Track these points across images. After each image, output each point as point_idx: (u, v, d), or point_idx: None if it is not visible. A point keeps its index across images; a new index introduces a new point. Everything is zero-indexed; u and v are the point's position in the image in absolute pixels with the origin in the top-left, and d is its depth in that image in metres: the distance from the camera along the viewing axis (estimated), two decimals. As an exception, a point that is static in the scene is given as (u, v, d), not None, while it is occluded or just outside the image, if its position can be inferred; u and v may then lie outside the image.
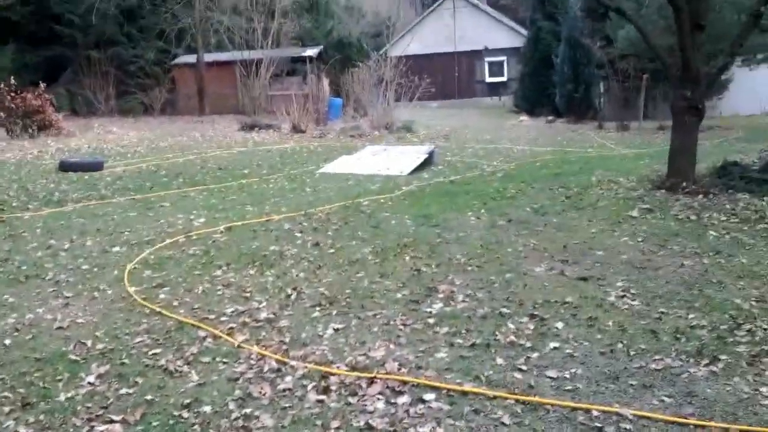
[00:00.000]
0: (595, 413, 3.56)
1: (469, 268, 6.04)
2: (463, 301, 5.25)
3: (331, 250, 6.63)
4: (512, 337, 4.54)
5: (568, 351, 4.33)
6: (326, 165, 12.46)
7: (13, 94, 16.39)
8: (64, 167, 12.01)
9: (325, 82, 29.68)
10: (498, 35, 37.67)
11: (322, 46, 31.40)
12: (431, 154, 12.72)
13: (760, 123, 21.92)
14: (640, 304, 5.11)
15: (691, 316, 4.87)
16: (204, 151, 15.08)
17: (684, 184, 8.35)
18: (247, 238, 7.11)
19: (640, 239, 6.85)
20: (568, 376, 4.01)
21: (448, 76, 38.76)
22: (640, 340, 4.48)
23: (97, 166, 12.23)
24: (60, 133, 17.55)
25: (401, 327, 4.77)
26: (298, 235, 7.19)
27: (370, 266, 6.14)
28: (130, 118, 25.92)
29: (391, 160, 12.38)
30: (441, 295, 5.36)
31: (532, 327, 4.71)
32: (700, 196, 8.18)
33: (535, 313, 4.95)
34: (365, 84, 21.77)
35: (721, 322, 4.73)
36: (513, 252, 6.48)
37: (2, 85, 16.48)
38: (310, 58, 28.70)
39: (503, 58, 37.28)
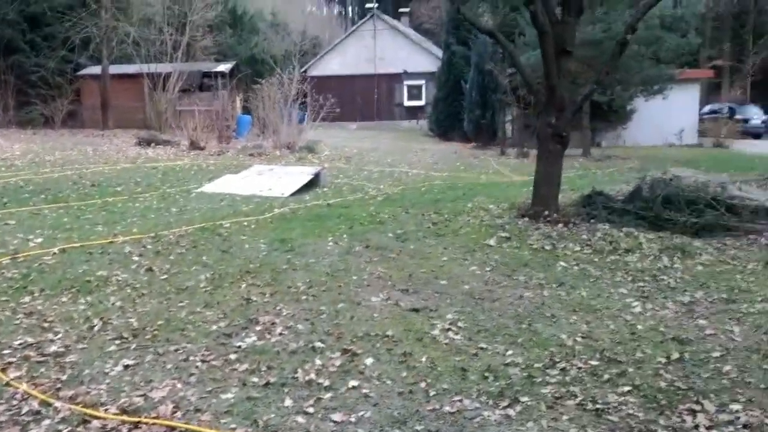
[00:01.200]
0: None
1: (304, 297, 5.76)
2: (281, 333, 4.95)
3: (164, 276, 6.24)
4: (313, 375, 4.27)
5: (365, 391, 4.08)
6: (208, 184, 12.02)
7: None
8: None
9: (238, 99, 29.22)
10: (418, 58, 37.99)
11: (235, 62, 30.86)
12: (317, 176, 12.45)
13: (659, 154, 22.58)
14: (462, 339, 4.93)
15: (509, 352, 4.71)
16: (87, 167, 14.40)
17: (546, 212, 8.31)
18: (79, 261, 6.63)
19: (488, 268, 6.72)
20: (353, 419, 3.75)
21: (368, 98, 38.82)
22: (447, 379, 4.27)
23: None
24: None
25: (198, 364, 4.43)
26: (136, 259, 6.76)
27: (199, 295, 5.78)
28: (28, 130, 24.74)
29: (275, 180, 12.04)
30: (259, 328, 5.06)
31: (338, 363, 4.45)
32: (560, 225, 8.15)
33: (350, 347, 4.70)
34: (272, 102, 21.36)
35: (538, 360, 4.59)
36: (357, 280, 6.23)
37: None
38: (222, 73, 28.12)
39: (422, 81, 37.59)
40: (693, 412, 3.85)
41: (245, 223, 8.58)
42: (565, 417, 3.84)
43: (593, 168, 17.56)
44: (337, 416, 3.77)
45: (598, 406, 3.95)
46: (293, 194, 11.24)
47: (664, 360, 4.63)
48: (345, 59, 39.10)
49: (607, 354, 4.69)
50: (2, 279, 6.07)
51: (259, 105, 22.40)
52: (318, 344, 4.75)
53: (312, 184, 12.13)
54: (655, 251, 7.36)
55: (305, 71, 31.57)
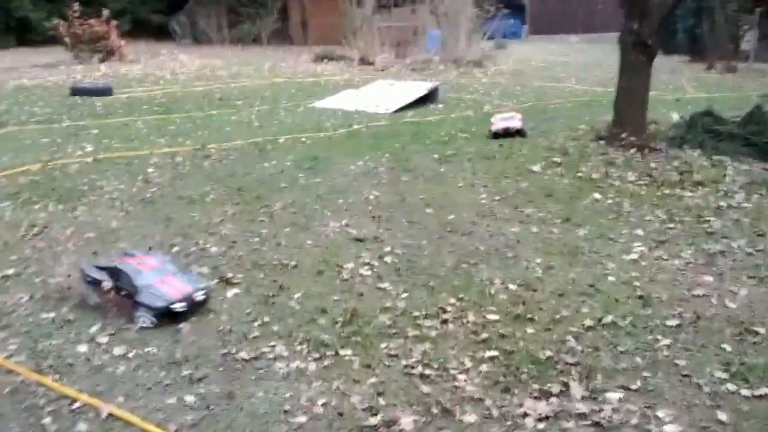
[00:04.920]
0: None
1: (260, 219, 5.41)
2: (188, 254, 4.67)
3: (153, 189, 6.22)
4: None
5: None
6: (323, 100, 11.88)
7: (79, 21, 17.09)
8: (75, 92, 12.36)
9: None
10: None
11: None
12: (435, 91, 11.73)
13: None
14: (373, 278, 4.34)
15: (404, 295, 4.02)
16: (238, 81, 14.98)
17: (623, 135, 6.96)
18: (96, 171, 6.82)
19: (499, 198, 5.85)
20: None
21: (590, 7, 35.54)
22: (308, 315, 3.73)
23: (105, 92, 12.48)
24: (123, 59, 18.17)
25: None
26: (150, 171, 6.83)
27: (162, 209, 5.66)
28: (238, 47, 26.37)
29: (387, 95, 11.57)
30: (189, 243, 4.83)
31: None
32: (633, 150, 6.79)
33: (230, 276, 4.30)
34: (448, 16, 20.46)
35: (422, 308, 3.84)
36: (334, 205, 5.70)
37: (70, 12, 17.23)
38: (418, -14, 27.47)
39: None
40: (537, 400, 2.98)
41: (303, 139, 8.32)
42: (392, 376, 3.16)
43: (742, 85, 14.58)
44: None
45: (428, 372, 3.20)
46: (398, 110, 10.71)
47: (590, 323, 3.65)
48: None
49: (523, 308, 3.84)
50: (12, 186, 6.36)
51: (441, 19, 21.67)
52: (203, 269, 4.39)
53: (427, 99, 11.46)
54: (735, 186, 5.88)
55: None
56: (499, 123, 8.20)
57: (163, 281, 3.72)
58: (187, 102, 11.74)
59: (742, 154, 6.60)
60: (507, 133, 8.01)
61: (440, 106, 11.39)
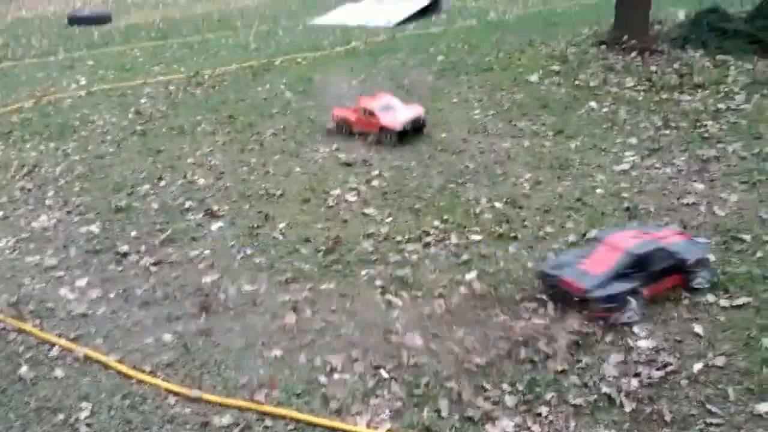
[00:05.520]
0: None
1: (249, 147, 5.39)
2: (165, 189, 4.68)
3: (143, 122, 6.18)
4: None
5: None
6: (322, 16, 11.59)
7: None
8: (72, 21, 12.17)
9: None
10: None
11: None
12: (437, 1, 11.37)
13: None
14: (359, 202, 4.33)
15: (388, 219, 4.01)
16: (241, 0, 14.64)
17: (625, 37, 6.70)
18: (90, 104, 6.80)
19: (493, 112, 5.74)
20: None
21: None
22: (293, 241, 3.75)
23: (103, 19, 12.28)
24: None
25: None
26: (143, 101, 6.78)
27: (149, 140, 5.65)
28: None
29: (390, 7, 11.25)
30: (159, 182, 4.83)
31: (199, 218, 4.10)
32: (634, 54, 6.56)
33: (214, 207, 4.31)
34: None
35: (400, 232, 3.83)
36: (325, 129, 5.62)
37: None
38: None
39: None
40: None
41: (299, 60, 8.15)
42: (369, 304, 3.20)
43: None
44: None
45: (405, 294, 3.22)
46: (400, 23, 10.45)
47: (573, 238, 3.64)
48: None
49: (507, 226, 3.83)
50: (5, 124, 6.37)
51: None
52: (188, 203, 4.40)
53: (430, 9, 11.15)
54: (737, 87, 5.68)
55: None
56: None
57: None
58: (185, 26, 11.52)
59: (748, 52, 6.33)
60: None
61: (443, 16, 11.06)
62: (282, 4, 13.73)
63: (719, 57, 6.31)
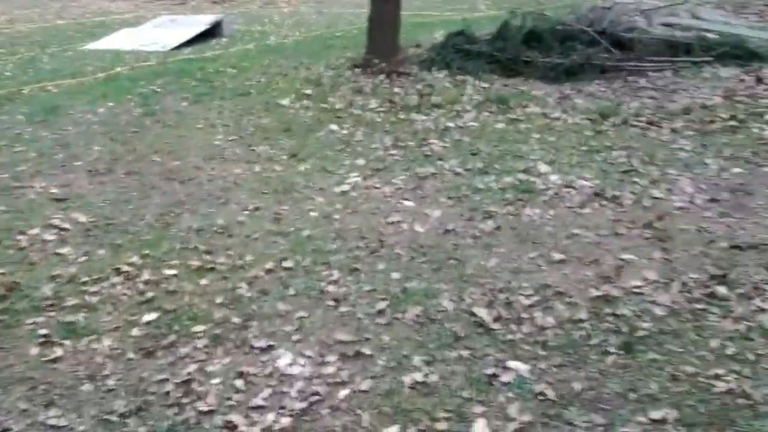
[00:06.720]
0: None
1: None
2: None
3: None
4: None
5: None
6: (99, 40, 11.00)
7: None
8: None
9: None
10: None
11: None
12: (218, 25, 11.16)
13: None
14: (56, 241, 3.96)
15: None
16: (16, 26, 13.60)
17: (375, 61, 6.87)
18: None
19: (234, 137, 5.64)
20: None
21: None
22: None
23: None
24: None
25: None
26: None
27: None
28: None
29: (167, 32, 10.90)
30: None
31: None
32: (383, 76, 6.73)
33: None
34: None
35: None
36: (50, 161, 5.25)
37: None
38: None
39: None
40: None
41: (49, 87, 7.62)
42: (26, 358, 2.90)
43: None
44: None
45: (66, 343, 2.96)
46: (177, 47, 10.11)
47: (270, 266, 3.54)
48: None
49: (209, 258, 3.70)
50: None
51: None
52: None
53: (212, 34, 10.90)
54: (469, 105, 5.97)
55: None
56: None
57: None
58: None
59: (487, 72, 6.70)
60: None
61: (224, 40, 10.87)
62: (59, 30, 12.94)
63: (459, 77, 6.62)
